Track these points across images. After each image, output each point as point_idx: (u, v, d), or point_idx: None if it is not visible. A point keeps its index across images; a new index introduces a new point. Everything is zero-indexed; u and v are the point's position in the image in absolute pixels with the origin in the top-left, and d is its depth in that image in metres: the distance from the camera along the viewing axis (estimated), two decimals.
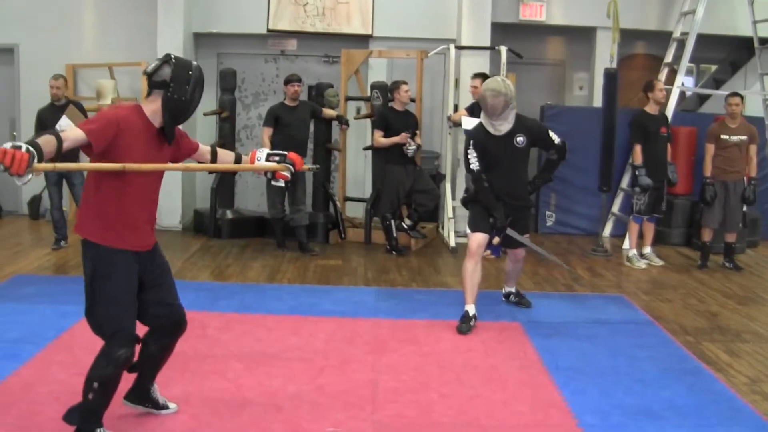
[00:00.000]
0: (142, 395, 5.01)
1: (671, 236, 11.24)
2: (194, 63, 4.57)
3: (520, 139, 6.99)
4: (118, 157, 4.26)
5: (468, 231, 7.29)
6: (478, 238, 7.09)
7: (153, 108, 4.46)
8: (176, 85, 4.41)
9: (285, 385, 5.56)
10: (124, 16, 12.17)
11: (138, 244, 4.55)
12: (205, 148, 4.99)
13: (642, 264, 9.87)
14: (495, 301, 7.88)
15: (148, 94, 4.49)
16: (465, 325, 6.92)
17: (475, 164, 7.00)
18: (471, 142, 7.08)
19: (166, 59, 4.48)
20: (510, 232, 7.19)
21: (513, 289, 7.88)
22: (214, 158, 5.00)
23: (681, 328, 7.29)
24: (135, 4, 12.04)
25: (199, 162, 5.01)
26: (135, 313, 4.63)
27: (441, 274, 9.29)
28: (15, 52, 12.21)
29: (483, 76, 9.88)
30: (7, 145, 3.74)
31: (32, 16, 12.08)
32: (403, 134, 9.95)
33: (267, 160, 5.06)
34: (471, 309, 7.03)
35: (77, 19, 12.34)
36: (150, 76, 4.46)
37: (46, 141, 4.00)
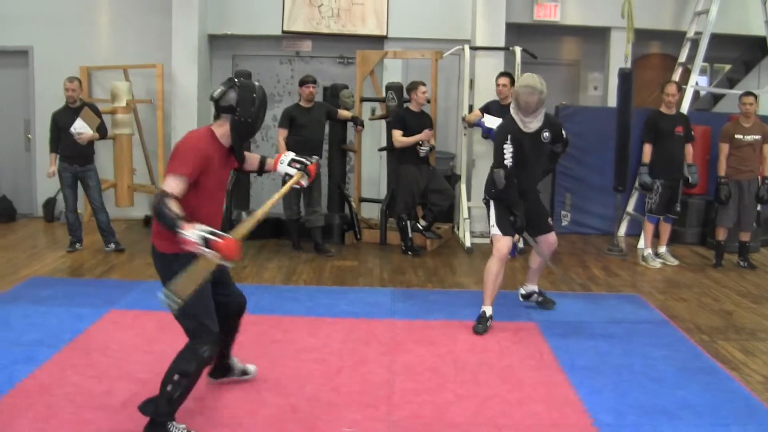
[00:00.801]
0: (224, 369, 5.51)
1: (686, 235, 11.23)
2: (257, 84, 4.91)
3: (546, 134, 6.99)
4: (200, 179, 4.66)
5: (496, 232, 7.06)
6: (508, 242, 7.05)
7: (222, 131, 4.80)
8: (243, 109, 4.75)
9: (301, 385, 5.59)
10: (138, 18, 12.22)
11: None
12: (250, 155, 5.33)
13: (657, 263, 9.86)
14: (510, 301, 7.88)
15: (217, 117, 4.80)
16: (482, 326, 6.93)
17: (509, 160, 6.80)
18: (509, 137, 6.86)
19: (231, 84, 4.79)
20: (527, 236, 7.28)
21: (536, 288, 7.81)
22: (260, 164, 5.44)
23: (696, 327, 7.29)
24: (150, 6, 12.09)
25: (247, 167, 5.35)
26: (214, 312, 4.90)
27: (456, 275, 9.30)
28: (29, 54, 12.27)
29: (508, 75, 9.91)
30: (201, 247, 4.43)
31: (46, 18, 12.14)
32: (426, 131, 9.98)
33: (289, 164, 5.44)
34: (489, 310, 7.03)
35: (92, 21, 12.39)
36: (217, 101, 4.77)
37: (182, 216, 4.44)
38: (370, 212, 11.69)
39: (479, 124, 10.21)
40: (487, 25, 11.39)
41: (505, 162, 6.83)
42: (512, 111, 6.98)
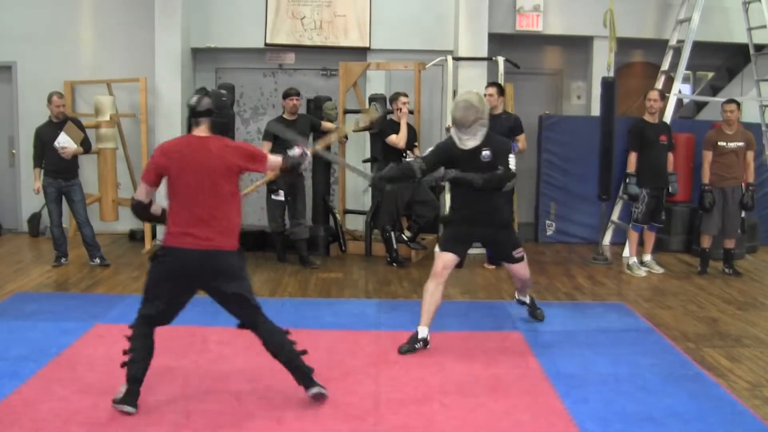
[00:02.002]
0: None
1: (671, 243, 11.28)
2: (222, 91, 5.86)
3: (485, 153, 6.68)
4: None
5: (437, 250, 7.09)
6: (446, 259, 6.86)
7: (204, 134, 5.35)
8: (219, 111, 5.40)
9: (287, 398, 5.57)
10: (121, 32, 12.21)
11: None
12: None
13: (642, 271, 9.89)
14: (496, 310, 7.92)
15: (196, 124, 5.32)
16: (407, 346, 6.65)
17: (422, 163, 6.79)
18: (443, 145, 6.94)
19: (204, 92, 5.40)
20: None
21: (526, 299, 7.66)
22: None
23: (682, 334, 7.30)
24: (132, 20, 12.08)
25: None
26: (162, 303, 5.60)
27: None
28: (13, 69, 12.25)
29: (497, 86, 9.90)
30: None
31: (30, 33, 12.10)
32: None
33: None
34: (423, 331, 6.72)
35: (75, 36, 12.38)
36: (194, 108, 5.30)
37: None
38: (355, 224, 11.69)
39: None
40: (469, 36, 11.42)
41: (423, 156, 6.97)
42: (451, 127, 6.91)
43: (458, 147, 6.73)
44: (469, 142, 6.68)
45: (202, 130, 5.29)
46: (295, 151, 5.61)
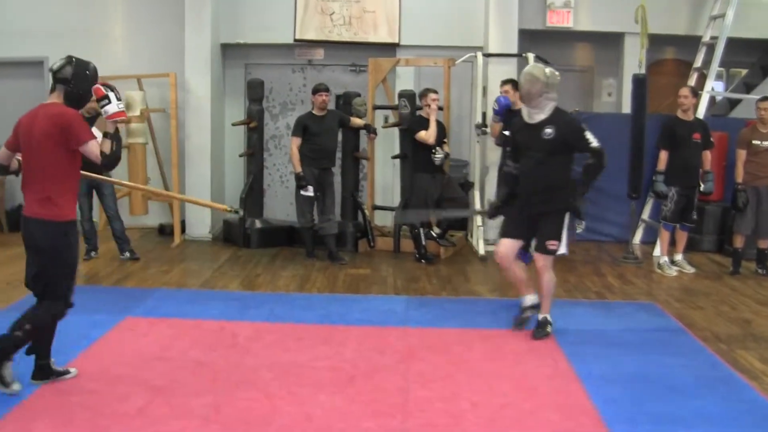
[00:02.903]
0: (46, 371, 5.63)
1: (703, 243, 11.16)
2: (91, 64, 5.65)
3: (548, 130, 6.67)
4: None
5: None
6: (500, 247, 7.08)
7: (58, 100, 5.44)
8: (76, 82, 5.44)
9: (315, 394, 5.56)
10: (151, 28, 12.27)
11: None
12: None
13: (673, 271, 9.80)
14: None
15: (53, 89, 5.46)
16: (540, 331, 6.98)
17: (503, 139, 7.31)
18: (511, 123, 7.30)
19: (69, 60, 5.52)
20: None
21: (525, 301, 7.22)
22: None
23: (713, 335, 7.23)
24: (163, 16, 12.13)
25: None
26: None
27: (471, 283, 9.27)
28: (44, 64, 12.29)
29: (512, 82, 9.85)
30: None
31: (61, 29, 12.17)
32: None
33: None
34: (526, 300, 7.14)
35: (106, 31, 12.46)
36: (55, 73, 5.47)
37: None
38: (384, 220, 11.67)
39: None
40: (499, 32, 11.37)
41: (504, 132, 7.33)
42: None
43: (525, 122, 6.84)
44: (536, 115, 6.75)
45: (53, 97, 5.43)
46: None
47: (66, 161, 5.35)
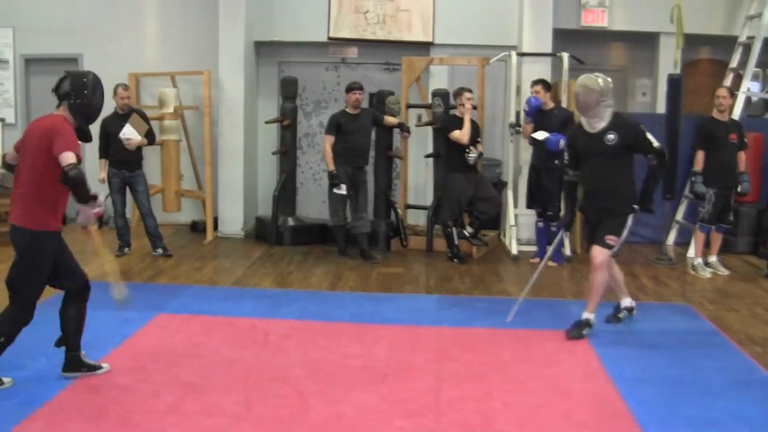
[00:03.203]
0: (75, 363, 5.70)
1: (737, 245, 11.06)
2: (90, 72, 5.62)
3: (610, 136, 6.74)
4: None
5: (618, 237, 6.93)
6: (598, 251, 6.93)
7: (66, 115, 5.45)
8: (76, 94, 5.43)
9: (347, 392, 5.57)
10: (185, 25, 12.34)
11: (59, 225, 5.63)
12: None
13: (707, 273, 9.72)
14: (557, 309, 7.84)
15: (58, 105, 5.48)
16: (575, 331, 6.96)
17: (568, 160, 7.14)
18: (569, 137, 7.20)
19: (65, 76, 5.50)
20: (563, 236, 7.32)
21: (622, 302, 7.56)
22: None
23: (748, 338, 7.15)
24: (197, 14, 12.20)
25: None
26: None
27: (503, 282, 9.24)
28: (79, 62, 12.40)
29: (543, 83, 9.83)
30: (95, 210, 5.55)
31: (96, 26, 12.31)
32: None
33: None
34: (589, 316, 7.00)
35: (140, 28, 12.55)
36: (55, 91, 5.49)
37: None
38: (417, 219, 11.66)
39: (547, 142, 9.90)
40: (534, 31, 11.33)
41: (564, 160, 7.23)
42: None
43: (586, 131, 6.88)
44: (597, 124, 6.81)
45: (59, 110, 5.46)
46: (85, 214, 5.71)
47: (51, 171, 5.27)
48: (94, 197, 5.50)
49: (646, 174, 7.03)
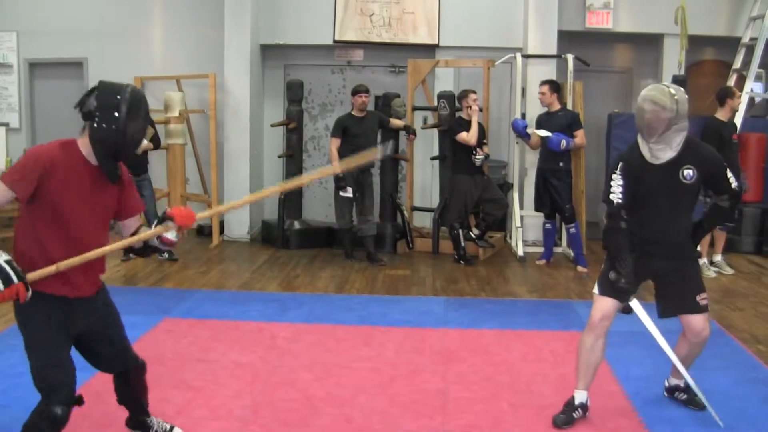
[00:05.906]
0: (143, 426, 4.81)
1: (742, 244, 11.07)
2: (129, 86, 4.14)
3: (688, 173, 4.97)
4: (49, 201, 3.88)
5: (594, 290, 5.32)
6: (603, 307, 5.19)
7: (86, 142, 4.03)
8: (102, 113, 3.97)
9: (355, 395, 5.59)
10: (191, 28, 12.38)
11: (69, 290, 4.10)
12: (136, 222, 4.45)
13: (712, 272, 9.72)
14: (564, 310, 7.85)
15: (83, 129, 4.06)
16: (563, 416, 5.22)
17: (617, 195, 5.03)
18: (620, 165, 5.10)
19: (93, 88, 4.08)
20: (634, 304, 5.26)
21: (680, 382, 5.60)
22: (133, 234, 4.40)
23: (753, 337, 7.18)
24: (202, 17, 12.23)
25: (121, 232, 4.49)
26: (65, 358, 4.17)
27: (510, 284, 9.26)
28: (84, 65, 12.45)
29: (550, 84, 9.84)
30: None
31: (101, 29, 12.35)
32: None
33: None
34: (580, 396, 5.31)
35: (145, 32, 12.60)
36: (79, 108, 4.09)
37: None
38: (423, 221, 11.69)
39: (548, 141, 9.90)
40: (539, 33, 11.35)
41: (611, 197, 5.06)
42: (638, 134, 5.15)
43: (646, 161, 5.02)
44: (664, 153, 4.96)
45: (80, 137, 4.10)
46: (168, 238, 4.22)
47: (27, 215, 3.98)
48: None
49: (706, 213, 5.44)
